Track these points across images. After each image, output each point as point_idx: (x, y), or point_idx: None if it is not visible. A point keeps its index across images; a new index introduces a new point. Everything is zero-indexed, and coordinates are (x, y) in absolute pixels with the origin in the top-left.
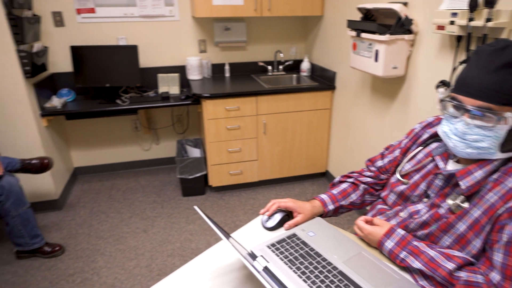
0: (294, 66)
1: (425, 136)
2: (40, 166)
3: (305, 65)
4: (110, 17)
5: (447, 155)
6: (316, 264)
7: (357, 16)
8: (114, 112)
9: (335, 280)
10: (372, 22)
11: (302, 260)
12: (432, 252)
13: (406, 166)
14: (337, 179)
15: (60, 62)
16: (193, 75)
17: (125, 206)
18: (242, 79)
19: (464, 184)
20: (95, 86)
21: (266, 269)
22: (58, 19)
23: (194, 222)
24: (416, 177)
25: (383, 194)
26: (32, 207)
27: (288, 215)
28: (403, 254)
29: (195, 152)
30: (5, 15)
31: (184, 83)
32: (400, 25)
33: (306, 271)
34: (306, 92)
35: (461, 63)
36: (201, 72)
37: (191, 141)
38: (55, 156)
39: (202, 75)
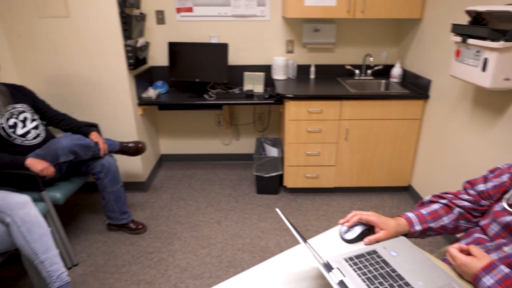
0: (384, 71)
1: None
2: (135, 150)
3: (396, 71)
4: (205, 16)
5: None
6: None
7: (463, 20)
8: (201, 106)
9: None
10: (483, 26)
11: (382, 280)
12: None
13: None
14: (427, 198)
15: (158, 56)
16: (278, 75)
17: (202, 196)
18: (327, 82)
19: None
20: (186, 80)
21: (341, 283)
22: (160, 17)
23: (266, 220)
24: None
25: (483, 222)
26: (123, 186)
27: (369, 229)
28: None
29: (273, 151)
30: (118, 13)
31: (269, 82)
32: None
33: None
34: (395, 99)
35: None
36: (286, 72)
37: (270, 140)
38: (146, 142)
39: (287, 75)
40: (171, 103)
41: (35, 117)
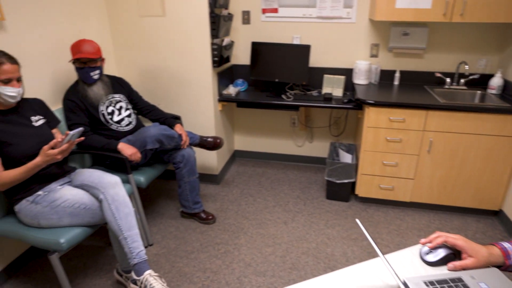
0: (480, 81)
1: None
2: (213, 144)
3: (495, 81)
4: (290, 17)
5: None
6: None
7: None
8: (278, 105)
9: None
10: None
11: None
12: None
13: None
14: None
15: (241, 55)
16: (360, 79)
17: (271, 194)
18: (412, 89)
19: None
20: (266, 80)
21: None
22: (246, 18)
23: (334, 227)
24: None
25: None
26: (198, 177)
27: (454, 254)
28: None
29: (346, 158)
30: (208, 13)
31: (349, 86)
32: None
33: None
34: (492, 113)
35: None
36: (368, 77)
37: (345, 146)
38: (222, 137)
39: (368, 80)
40: (250, 101)
41: (129, 106)
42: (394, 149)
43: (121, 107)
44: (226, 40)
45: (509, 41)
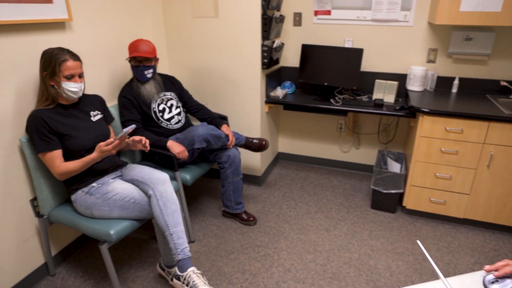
0: None
1: None
2: (259, 146)
3: None
4: (343, 19)
5: None
6: None
7: None
8: (326, 110)
9: None
10: None
11: None
12: None
13: None
14: None
15: (290, 57)
16: (414, 85)
17: (314, 200)
18: (473, 99)
19: None
20: (314, 83)
21: None
22: (297, 19)
23: (378, 238)
24: None
25: None
26: (242, 178)
27: None
28: None
29: (395, 167)
30: (261, 15)
31: (401, 92)
32: None
33: None
34: None
35: None
36: (423, 83)
37: (393, 154)
38: (267, 138)
39: (423, 87)
40: (297, 104)
41: (179, 104)
42: (449, 161)
43: (171, 105)
44: (277, 42)
45: None
